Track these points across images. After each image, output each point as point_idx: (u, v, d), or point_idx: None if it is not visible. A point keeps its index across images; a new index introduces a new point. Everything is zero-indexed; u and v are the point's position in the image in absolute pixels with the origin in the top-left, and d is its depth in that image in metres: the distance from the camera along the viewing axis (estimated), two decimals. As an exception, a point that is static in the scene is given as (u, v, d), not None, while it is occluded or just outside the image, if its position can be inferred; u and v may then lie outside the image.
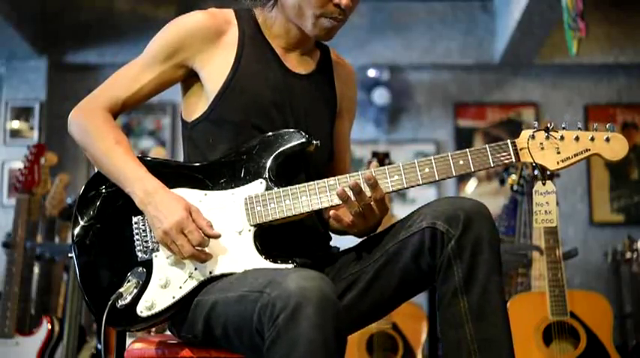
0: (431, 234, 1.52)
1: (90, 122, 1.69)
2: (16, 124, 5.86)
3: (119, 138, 1.67)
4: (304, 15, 1.68)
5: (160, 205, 1.57)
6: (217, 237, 1.57)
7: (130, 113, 6.00)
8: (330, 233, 1.81)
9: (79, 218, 1.66)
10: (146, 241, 1.62)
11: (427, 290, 1.72)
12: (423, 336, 3.92)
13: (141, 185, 1.60)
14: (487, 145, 1.60)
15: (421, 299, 4.05)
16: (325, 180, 1.60)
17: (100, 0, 5.96)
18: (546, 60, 5.83)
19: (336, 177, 1.60)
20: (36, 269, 3.99)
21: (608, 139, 1.59)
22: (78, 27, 5.88)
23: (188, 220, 1.55)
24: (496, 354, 1.47)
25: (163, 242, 1.57)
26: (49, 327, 3.63)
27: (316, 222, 1.73)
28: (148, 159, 1.71)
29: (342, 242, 1.78)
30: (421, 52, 5.86)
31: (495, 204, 4.94)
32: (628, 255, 4.82)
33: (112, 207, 1.65)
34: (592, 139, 1.59)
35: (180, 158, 1.83)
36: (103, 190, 1.67)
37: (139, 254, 1.62)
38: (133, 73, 1.72)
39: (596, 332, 2.90)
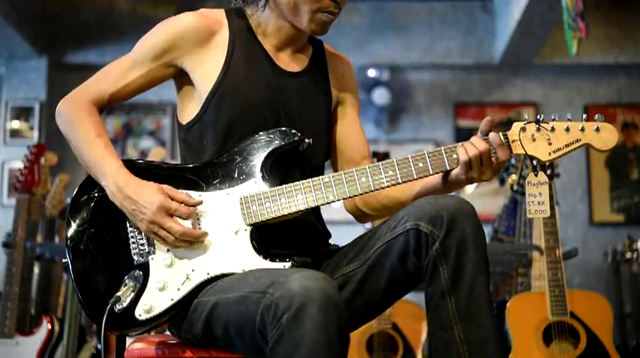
0: (415, 235, 1.51)
1: (74, 113, 1.71)
2: (16, 124, 5.86)
3: (100, 132, 1.68)
4: (300, 11, 1.69)
5: (135, 196, 1.58)
6: (200, 203, 1.59)
7: (129, 113, 6.01)
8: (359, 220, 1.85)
9: (73, 222, 1.66)
10: (142, 244, 1.62)
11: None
12: (423, 336, 3.92)
13: (112, 179, 1.61)
14: None
15: (421, 299, 4.05)
16: (320, 177, 1.61)
17: (100, 0, 5.96)
18: (546, 60, 5.83)
19: (331, 174, 1.61)
20: (36, 269, 3.99)
21: (598, 129, 1.60)
22: (78, 27, 5.88)
23: (168, 200, 1.57)
24: (486, 355, 1.47)
25: (151, 231, 1.58)
26: (49, 327, 3.63)
27: (313, 220, 1.74)
28: (141, 161, 1.71)
29: (343, 244, 1.78)
30: (421, 52, 5.85)
31: (495, 204, 4.95)
32: (628, 255, 4.82)
33: (105, 210, 1.65)
34: (582, 129, 1.60)
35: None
36: (96, 194, 1.67)
37: (135, 257, 1.62)
38: (122, 69, 1.73)
39: (596, 332, 2.89)
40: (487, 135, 1.60)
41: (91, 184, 1.68)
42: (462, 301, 1.47)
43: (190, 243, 1.59)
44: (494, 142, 1.59)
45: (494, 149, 1.59)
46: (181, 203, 1.58)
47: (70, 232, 1.65)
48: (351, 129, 1.86)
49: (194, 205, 1.59)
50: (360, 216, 1.86)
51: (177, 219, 1.58)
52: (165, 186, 1.60)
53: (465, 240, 1.49)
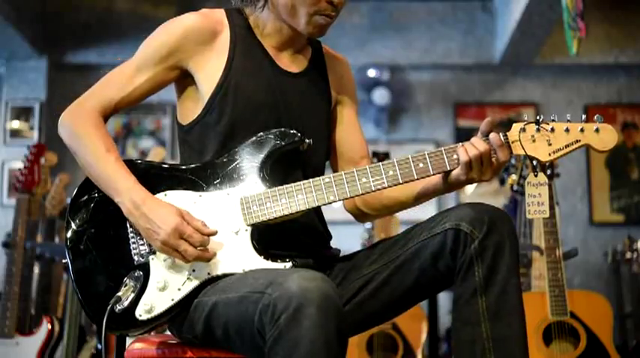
0: (454, 235, 1.54)
1: (80, 126, 1.67)
2: (16, 124, 5.86)
3: (109, 146, 1.65)
4: (297, 13, 1.68)
5: (151, 214, 1.56)
6: (214, 233, 1.58)
7: (129, 113, 6.01)
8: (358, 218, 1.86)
9: (72, 222, 1.65)
10: (142, 244, 1.62)
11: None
12: (423, 336, 3.92)
13: (128, 196, 1.59)
14: None
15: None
16: (321, 177, 1.61)
17: (100, 0, 5.96)
18: (546, 60, 5.83)
19: (331, 175, 1.61)
20: (36, 269, 4.00)
21: (597, 130, 1.61)
22: (78, 27, 5.88)
23: (183, 225, 1.55)
24: (510, 354, 1.49)
25: (164, 252, 1.56)
26: (49, 327, 3.63)
27: (315, 221, 1.74)
28: (140, 162, 1.70)
29: (343, 244, 1.78)
30: (421, 52, 5.86)
31: (495, 204, 4.93)
32: (628, 255, 4.82)
33: (106, 210, 1.64)
34: (582, 130, 1.61)
35: (181, 158, 1.83)
36: (96, 194, 1.66)
37: (136, 257, 1.61)
38: (127, 75, 1.71)
39: (596, 332, 2.90)
40: (487, 135, 1.61)
41: (90, 185, 1.67)
42: (492, 300, 1.50)
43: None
44: (494, 143, 1.59)
45: (495, 149, 1.59)
46: (196, 230, 1.56)
47: (70, 232, 1.65)
48: (350, 130, 1.87)
49: (208, 235, 1.57)
50: (359, 215, 1.87)
51: None
52: (184, 210, 1.59)
53: (503, 242, 1.52)
